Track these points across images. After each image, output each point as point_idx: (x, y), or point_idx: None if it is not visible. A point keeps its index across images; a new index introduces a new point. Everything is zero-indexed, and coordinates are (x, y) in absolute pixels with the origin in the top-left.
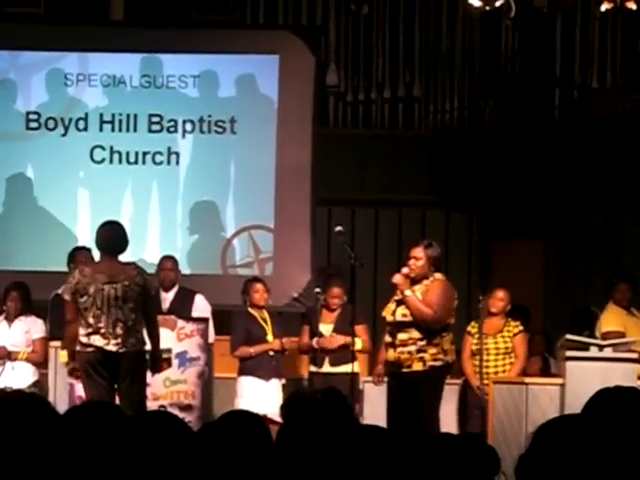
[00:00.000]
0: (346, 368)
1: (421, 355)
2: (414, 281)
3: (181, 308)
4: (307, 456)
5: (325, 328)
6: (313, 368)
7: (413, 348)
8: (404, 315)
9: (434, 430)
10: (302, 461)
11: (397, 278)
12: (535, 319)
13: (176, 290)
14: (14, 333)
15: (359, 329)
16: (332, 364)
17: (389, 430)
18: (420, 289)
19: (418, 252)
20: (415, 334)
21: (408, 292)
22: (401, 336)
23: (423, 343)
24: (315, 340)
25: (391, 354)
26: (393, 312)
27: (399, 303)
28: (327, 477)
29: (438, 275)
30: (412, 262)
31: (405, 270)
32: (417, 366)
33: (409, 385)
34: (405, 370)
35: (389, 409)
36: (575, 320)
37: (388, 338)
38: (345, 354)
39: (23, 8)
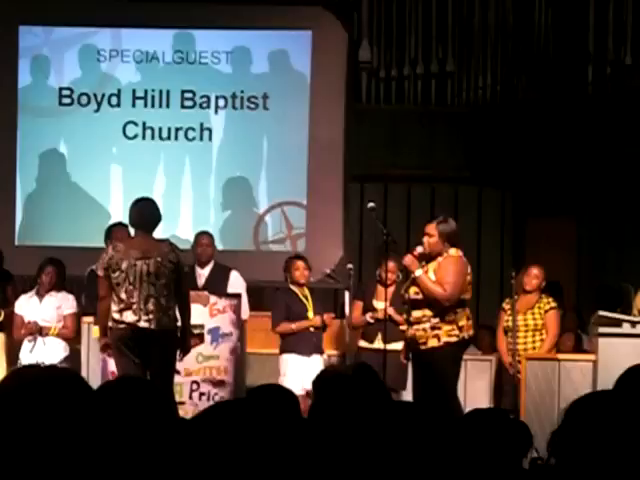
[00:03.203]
0: (397, 345)
1: (436, 332)
2: (430, 258)
3: (216, 284)
4: (337, 430)
5: (380, 305)
6: (364, 344)
7: (427, 325)
8: (416, 293)
9: (452, 405)
10: (332, 434)
11: (407, 259)
12: (568, 296)
13: (212, 266)
14: (45, 308)
15: None
16: (385, 341)
17: (420, 406)
18: (433, 266)
19: (431, 229)
20: (428, 312)
21: (418, 272)
22: (415, 314)
23: (436, 320)
24: (369, 315)
25: (409, 331)
26: (407, 290)
27: (413, 281)
28: (356, 451)
29: (452, 251)
30: (425, 239)
31: (419, 249)
32: (432, 342)
33: (426, 362)
34: (422, 348)
35: (413, 385)
36: (600, 297)
37: (405, 316)
38: (397, 331)
39: None
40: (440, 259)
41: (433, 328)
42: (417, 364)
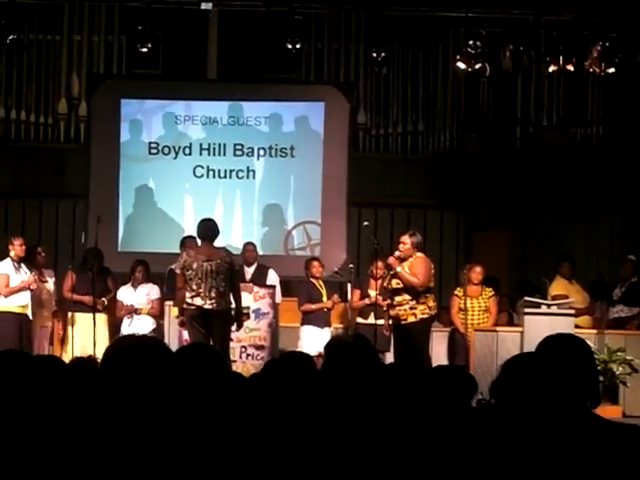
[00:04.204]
0: (383, 322)
1: (413, 311)
2: (403, 259)
3: (259, 278)
4: (342, 380)
5: (372, 293)
6: (361, 320)
7: (407, 307)
8: (397, 284)
9: (426, 363)
10: (339, 383)
11: (391, 260)
12: (503, 286)
13: (255, 266)
14: (138, 295)
15: None
16: (375, 317)
17: (400, 365)
18: (407, 264)
19: (405, 239)
20: (407, 296)
21: (399, 268)
22: (397, 298)
23: (413, 302)
24: (366, 299)
25: (392, 311)
26: (389, 282)
27: (394, 276)
28: (355, 394)
29: (419, 254)
30: (401, 246)
31: (397, 253)
32: (411, 319)
33: (407, 333)
34: (403, 322)
35: (395, 349)
36: (525, 287)
37: (389, 300)
38: (383, 312)
39: (147, 70)
40: (412, 259)
41: (411, 308)
42: (400, 334)
